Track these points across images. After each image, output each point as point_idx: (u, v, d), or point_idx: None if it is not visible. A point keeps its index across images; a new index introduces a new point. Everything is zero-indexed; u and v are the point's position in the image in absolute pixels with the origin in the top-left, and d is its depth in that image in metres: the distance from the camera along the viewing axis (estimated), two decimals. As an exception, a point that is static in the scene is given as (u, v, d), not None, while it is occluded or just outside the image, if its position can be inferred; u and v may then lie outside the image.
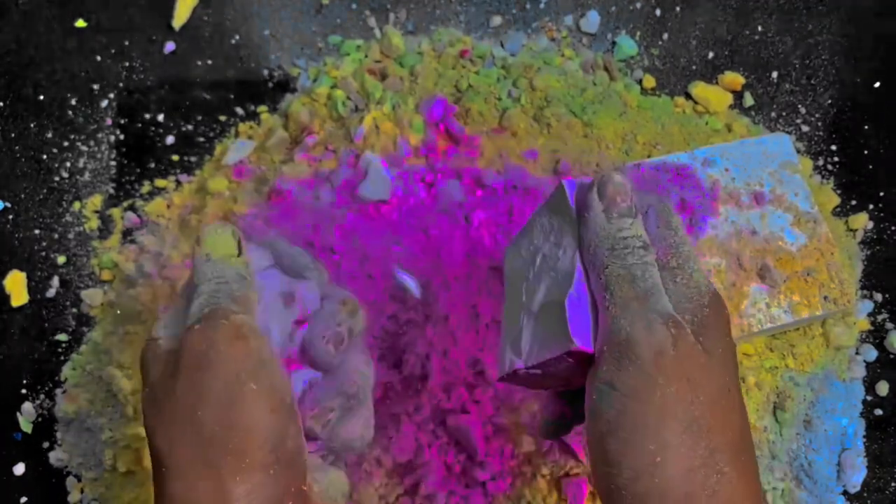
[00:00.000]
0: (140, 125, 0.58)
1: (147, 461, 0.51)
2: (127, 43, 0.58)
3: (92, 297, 0.57)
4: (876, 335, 0.56)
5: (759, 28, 0.59)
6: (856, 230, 0.57)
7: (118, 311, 0.55)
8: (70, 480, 0.55)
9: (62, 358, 0.56)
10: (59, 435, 0.55)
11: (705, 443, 0.28)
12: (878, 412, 0.55)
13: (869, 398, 0.55)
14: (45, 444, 0.55)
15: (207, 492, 0.29)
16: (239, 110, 0.59)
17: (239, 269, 0.34)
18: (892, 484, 0.54)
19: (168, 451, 0.30)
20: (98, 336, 0.56)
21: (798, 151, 0.58)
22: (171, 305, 0.36)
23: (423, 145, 0.54)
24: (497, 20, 0.59)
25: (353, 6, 0.59)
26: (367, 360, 0.37)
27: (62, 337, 0.56)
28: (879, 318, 0.56)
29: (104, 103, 0.58)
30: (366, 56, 0.58)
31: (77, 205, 0.58)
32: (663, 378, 0.28)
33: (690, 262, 0.32)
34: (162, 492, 0.30)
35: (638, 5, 0.59)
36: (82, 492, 0.55)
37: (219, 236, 0.35)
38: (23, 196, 0.57)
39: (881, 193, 0.57)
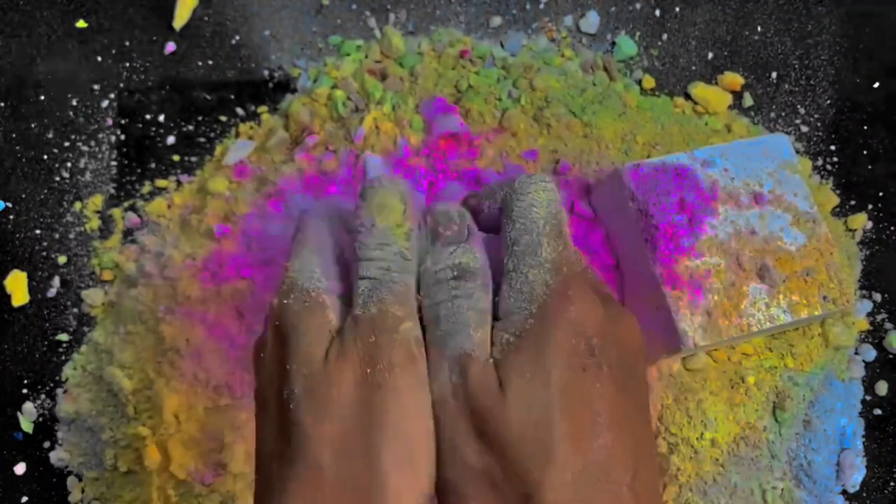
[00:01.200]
0: (141, 125, 0.58)
1: (148, 461, 0.51)
2: (127, 43, 0.58)
3: (93, 297, 0.57)
4: (875, 335, 0.56)
5: (759, 28, 0.59)
6: (855, 230, 0.57)
7: (119, 311, 0.55)
8: (71, 480, 0.55)
9: (63, 358, 0.56)
10: (59, 435, 0.55)
11: (505, 472, 0.26)
12: (878, 412, 0.55)
13: (868, 398, 0.55)
14: (46, 444, 0.56)
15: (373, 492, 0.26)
16: (239, 111, 0.59)
17: (402, 248, 0.29)
18: (892, 483, 0.55)
19: (332, 468, 0.27)
20: (99, 336, 0.56)
21: (797, 152, 0.58)
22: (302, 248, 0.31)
23: (424, 145, 0.54)
24: (497, 20, 0.59)
25: (353, 6, 0.59)
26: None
27: (63, 337, 0.57)
28: (878, 317, 0.56)
29: (105, 103, 0.58)
30: (366, 56, 0.58)
31: (78, 205, 0.58)
32: (448, 432, 0.27)
33: (527, 259, 0.29)
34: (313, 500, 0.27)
35: (638, 6, 0.59)
36: (83, 491, 0.55)
37: (386, 196, 0.29)
38: (23, 196, 0.57)
39: (880, 193, 0.58)
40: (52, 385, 0.56)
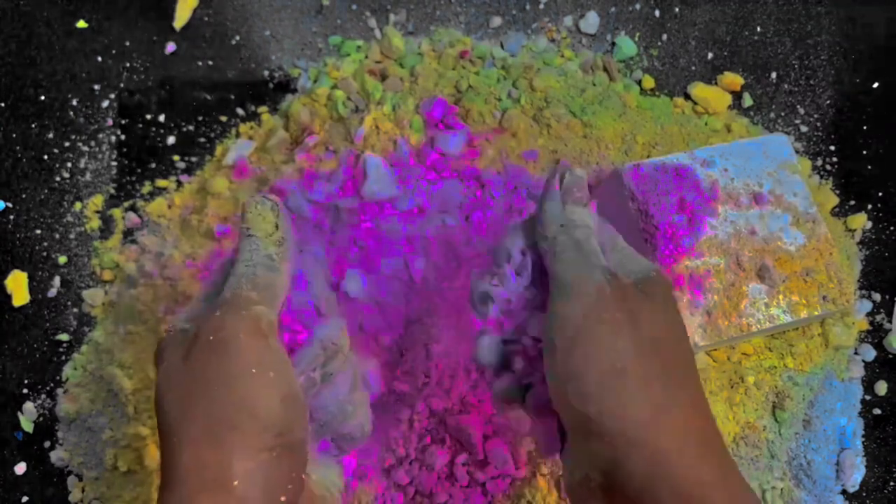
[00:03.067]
0: (141, 125, 0.58)
1: (148, 460, 0.51)
2: (127, 43, 0.58)
3: (93, 296, 0.57)
4: (875, 335, 0.56)
5: (759, 29, 0.59)
6: (854, 230, 0.57)
7: (119, 311, 0.56)
8: (71, 480, 0.55)
9: (63, 358, 0.56)
10: (60, 434, 0.55)
11: (659, 360, 0.32)
12: (877, 411, 0.55)
13: (867, 398, 0.55)
14: (47, 444, 0.56)
15: (212, 464, 0.30)
16: (239, 111, 0.59)
17: (269, 252, 0.35)
18: (891, 483, 0.55)
19: (179, 423, 0.31)
20: (99, 336, 0.56)
21: (797, 151, 0.58)
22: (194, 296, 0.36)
23: (424, 145, 0.54)
24: (497, 21, 0.59)
25: (354, 7, 0.59)
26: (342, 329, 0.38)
27: (63, 337, 0.57)
28: (878, 317, 0.56)
29: (105, 103, 0.58)
30: (366, 57, 0.58)
31: (78, 205, 0.58)
32: (609, 305, 0.32)
33: (627, 248, 0.37)
34: (170, 462, 0.31)
35: (637, 6, 0.59)
36: (83, 491, 0.55)
37: (258, 211, 0.36)
38: (24, 196, 0.57)
39: (880, 193, 0.58)
40: (52, 385, 0.56)
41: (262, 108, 0.59)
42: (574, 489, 0.33)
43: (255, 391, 0.31)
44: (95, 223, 0.58)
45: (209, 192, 0.56)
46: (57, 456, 0.55)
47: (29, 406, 0.56)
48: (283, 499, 0.32)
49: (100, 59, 0.58)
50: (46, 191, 0.58)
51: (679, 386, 0.32)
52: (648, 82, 0.59)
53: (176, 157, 0.58)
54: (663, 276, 0.35)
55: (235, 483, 0.30)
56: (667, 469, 0.30)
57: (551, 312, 0.34)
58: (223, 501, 0.30)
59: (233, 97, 0.59)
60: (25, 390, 0.56)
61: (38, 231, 0.57)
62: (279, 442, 0.32)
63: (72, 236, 0.58)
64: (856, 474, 0.54)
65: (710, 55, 0.59)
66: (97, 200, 0.58)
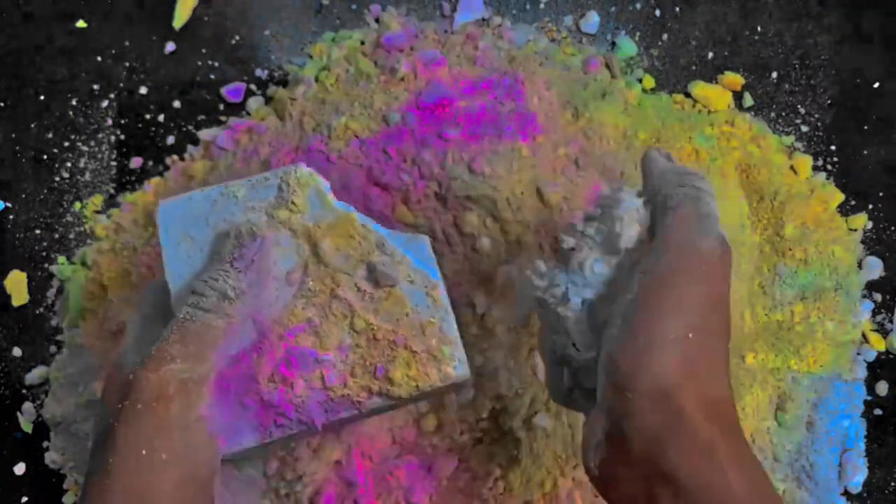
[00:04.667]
0: (140, 125, 0.58)
1: None
2: (127, 43, 0.58)
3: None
4: (875, 335, 0.56)
5: (759, 28, 0.59)
6: (855, 230, 0.57)
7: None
8: (69, 481, 0.55)
9: (62, 358, 0.56)
10: (51, 436, 0.55)
11: (710, 331, 0.32)
12: (878, 412, 0.55)
13: (869, 398, 0.55)
14: (46, 444, 0.55)
15: None
16: (240, 111, 0.59)
17: (227, 287, 0.33)
18: (892, 484, 0.54)
19: (84, 492, 0.31)
20: (78, 338, 0.55)
21: (798, 151, 0.58)
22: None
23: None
24: (497, 21, 0.59)
25: (353, 6, 0.59)
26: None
27: (62, 337, 0.56)
28: (879, 317, 0.56)
29: (104, 103, 0.58)
30: (362, 43, 0.58)
31: (77, 205, 0.58)
32: (718, 270, 0.32)
33: None
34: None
35: (638, 6, 0.59)
36: (77, 495, 0.55)
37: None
38: (23, 196, 0.57)
39: (881, 193, 0.57)
40: (51, 385, 0.56)
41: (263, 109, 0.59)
42: (584, 443, 0.33)
43: (150, 476, 0.29)
44: (95, 223, 0.58)
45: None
46: (50, 458, 0.55)
47: (28, 406, 0.56)
48: None
49: (100, 59, 0.58)
50: (46, 191, 0.58)
51: (715, 359, 0.32)
52: (649, 82, 0.59)
53: (175, 157, 0.58)
54: (728, 245, 0.35)
55: None
56: (679, 426, 0.30)
57: (646, 265, 0.33)
58: None
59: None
60: (24, 390, 0.56)
61: (38, 231, 0.57)
62: None
63: (71, 236, 0.58)
64: (858, 475, 0.53)
65: (710, 55, 0.59)
66: (97, 200, 0.58)
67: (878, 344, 0.56)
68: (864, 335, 0.56)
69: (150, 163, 0.58)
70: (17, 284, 0.57)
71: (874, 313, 0.56)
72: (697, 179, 0.35)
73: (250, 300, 0.34)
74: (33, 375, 0.56)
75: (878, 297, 0.56)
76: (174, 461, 0.30)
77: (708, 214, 0.34)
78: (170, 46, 0.58)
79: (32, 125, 0.58)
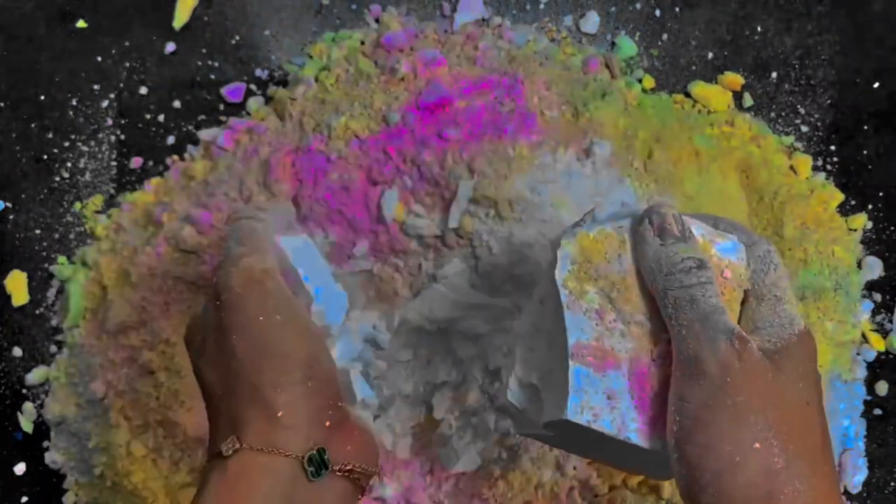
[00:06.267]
0: (140, 125, 0.58)
1: (135, 477, 0.51)
2: (127, 43, 0.58)
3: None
4: (875, 335, 0.56)
5: (759, 28, 0.59)
6: (855, 230, 0.57)
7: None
8: (69, 481, 0.55)
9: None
10: (52, 436, 0.55)
11: (783, 447, 0.29)
12: (878, 412, 0.55)
13: (868, 398, 0.55)
14: (46, 444, 0.56)
15: (254, 405, 0.34)
16: (240, 111, 0.59)
17: (247, 212, 0.40)
18: (892, 483, 0.55)
19: (217, 381, 0.36)
20: (79, 338, 0.55)
21: (798, 151, 0.58)
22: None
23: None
24: (497, 21, 0.59)
25: (353, 6, 0.59)
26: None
27: (62, 337, 0.56)
28: (879, 317, 0.56)
29: (105, 103, 0.58)
30: (362, 43, 0.58)
31: (78, 205, 0.58)
32: (732, 388, 0.30)
33: (785, 296, 0.33)
34: (217, 415, 0.36)
35: (637, 6, 0.59)
36: (77, 495, 0.55)
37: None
38: (23, 196, 0.57)
39: (881, 193, 0.57)
40: (51, 385, 0.56)
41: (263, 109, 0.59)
42: None
43: (274, 336, 0.35)
44: (95, 223, 0.58)
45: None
46: (50, 458, 0.55)
47: (28, 406, 0.56)
48: (327, 423, 0.35)
49: (100, 59, 0.58)
50: (46, 191, 0.58)
51: (801, 476, 0.29)
52: (649, 82, 0.59)
53: (175, 157, 0.58)
54: (807, 340, 0.32)
55: (280, 414, 0.33)
56: None
57: (672, 390, 0.31)
58: (271, 430, 0.33)
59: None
60: (25, 390, 0.56)
61: (38, 231, 0.57)
62: (310, 374, 0.35)
63: (71, 236, 0.58)
64: (858, 475, 0.54)
65: (710, 55, 0.59)
66: (97, 200, 0.58)
67: (877, 344, 0.56)
68: (863, 335, 0.56)
69: (150, 163, 0.58)
70: (17, 284, 0.57)
71: (874, 313, 0.56)
72: (690, 271, 0.32)
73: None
74: (33, 375, 0.56)
75: (877, 297, 0.56)
76: (289, 322, 0.36)
77: (710, 313, 0.31)
78: (170, 46, 0.58)
79: (32, 125, 0.58)
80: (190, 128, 0.58)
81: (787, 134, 0.58)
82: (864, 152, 0.58)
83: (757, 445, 0.29)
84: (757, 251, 0.34)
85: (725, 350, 0.30)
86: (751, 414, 0.30)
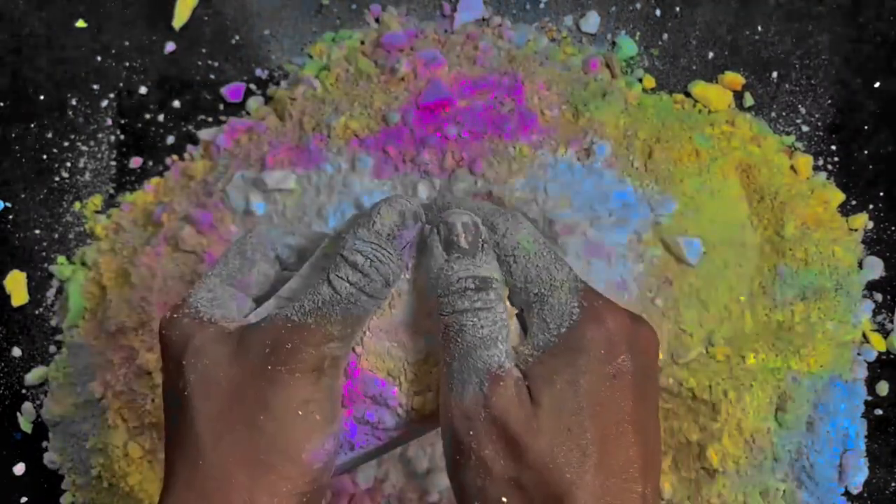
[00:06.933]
0: (140, 125, 0.58)
1: (132, 479, 0.51)
2: (127, 43, 0.58)
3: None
4: (876, 335, 0.56)
5: (759, 28, 0.59)
6: (855, 230, 0.57)
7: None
8: (68, 481, 0.55)
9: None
10: (50, 436, 0.55)
11: (542, 493, 0.27)
12: (879, 412, 0.55)
13: (869, 398, 0.55)
14: (45, 444, 0.55)
15: (239, 491, 0.28)
16: (240, 111, 0.59)
17: (388, 272, 0.30)
18: (893, 484, 0.54)
19: (212, 444, 0.29)
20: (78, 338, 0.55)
21: (798, 151, 0.58)
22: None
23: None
24: (497, 21, 0.59)
25: (353, 6, 0.59)
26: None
27: (62, 337, 0.56)
28: (879, 317, 0.56)
29: (104, 103, 0.58)
30: (362, 42, 0.58)
31: (77, 205, 0.58)
32: (476, 443, 0.28)
33: (553, 283, 0.29)
34: (190, 476, 0.29)
35: (638, 5, 0.59)
36: (74, 495, 0.55)
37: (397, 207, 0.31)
38: (23, 196, 0.57)
39: (881, 193, 0.57)
40: (49, 386, 0.56)
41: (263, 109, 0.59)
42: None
43: (300, 435, 0.29)
44: (95, 223, 0.58)
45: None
46: (49, 458, 0.55)
47: (28, 406, 0.56)
48: None
49: (99, 59, 0.58)
50: (45, 191, 0.58)
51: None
52: (649, 82, 0.59)
53: (175, 157, 0.58)
54: (583, 336, 0.28)
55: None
56: None
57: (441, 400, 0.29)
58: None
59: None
60: (24, 390, 0.56)
61: (37, 231, 0.57)
62: (311, 488, 0.30)
63: (71, 236, 0.58)
64: (858, 476, 0.53)
65: (710, 55, 0.59)
66: (96, 200, 0.58)
67: (878, 344, 0.56)
68: (864, 335, 0.56)
69: (150, 163, 0.58)
70: (17, 284, 0.57)
71: (874, 313, 0.56)
72: (465, 293, 0.28)
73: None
74: (33, 375, 0.56)
75: (878, 297, 0.56)
76: (323, 425, 0.29)
77: (473, 349, 0.28)
78: (170, 46, 0.58)
79: (32, 125, 0.58)
80: (190, 128, 0.58)
81: (788, 134, 0.58)
82: (865, 152, 0.58)
83: (504, 500, 0.27)
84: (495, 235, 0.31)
85: (471, 400, 0.28)
86: (497, 465, 0.27)
